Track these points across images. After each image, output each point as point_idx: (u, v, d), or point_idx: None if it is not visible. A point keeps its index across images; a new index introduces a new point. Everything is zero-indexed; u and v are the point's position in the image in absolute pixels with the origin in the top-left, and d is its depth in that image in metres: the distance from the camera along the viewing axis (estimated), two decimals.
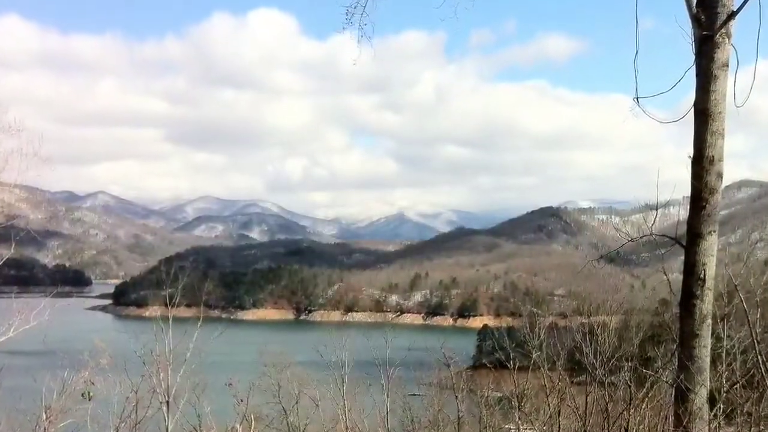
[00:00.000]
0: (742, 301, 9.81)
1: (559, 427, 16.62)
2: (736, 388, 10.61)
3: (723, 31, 8.33)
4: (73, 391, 12.48)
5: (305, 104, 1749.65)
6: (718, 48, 8.35)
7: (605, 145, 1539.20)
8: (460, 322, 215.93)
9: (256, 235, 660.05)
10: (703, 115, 8.43)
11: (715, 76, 8.37)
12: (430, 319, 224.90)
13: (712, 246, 8.52)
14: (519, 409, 18.59)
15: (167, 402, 14.22)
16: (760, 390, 10.23)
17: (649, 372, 13.97)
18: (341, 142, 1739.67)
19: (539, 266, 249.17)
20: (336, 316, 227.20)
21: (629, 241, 10.54)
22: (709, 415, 8.74)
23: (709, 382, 8.74)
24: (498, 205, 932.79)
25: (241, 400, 19.88)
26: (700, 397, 8.51)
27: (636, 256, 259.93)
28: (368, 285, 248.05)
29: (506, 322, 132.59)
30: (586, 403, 15.55)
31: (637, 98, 8.91)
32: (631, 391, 13.81)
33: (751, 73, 8.50)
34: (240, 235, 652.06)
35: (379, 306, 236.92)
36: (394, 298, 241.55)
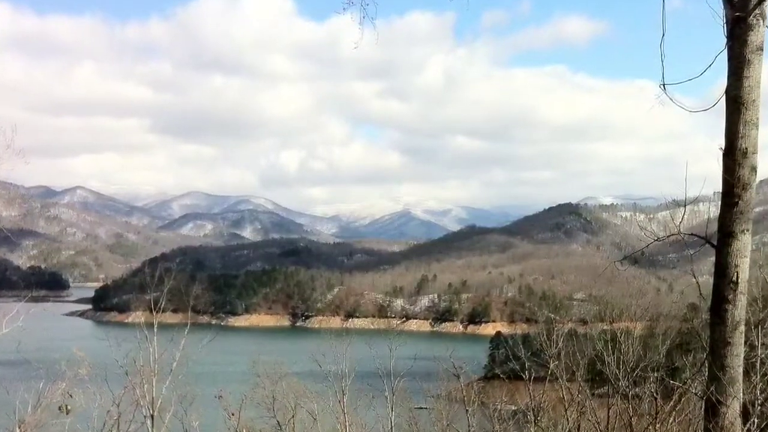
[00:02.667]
0: None
1: None
2: None
3: (757, 12, 8.31)
4: (50, 404, 12.54)
5: (302, 91, 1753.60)
6: (752, 30, 8.33)
7: (629, 137, 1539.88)
8: (471, 328, 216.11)
9: (248, 234, 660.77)
10: (736, 103, 8.42)
11: (749, 61, 8.35)
12: (438, 326, 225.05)
13: (745, 246, 8.51)
14: (535, 423, 18.63)
15: (152, 416, 14.28)
16: None
17: (677, 383, 14.00)
18: (342, 132, 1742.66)
19: (557, 268, 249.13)
20: (336, 322, 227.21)
21: (655, 240, 10.52)
22: (742, 429, 8.74)
23: (741, 394, 8.74)
24: (512, 202, 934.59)
25: (233, 414, 19.98)
26: (732, 410, 8.51)
27: (662, 256, 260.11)
28: (371, 288, 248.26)
29: (521, 328, 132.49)
30: (608, 417, 15.59)
31: (663, 85, 8.88)
32: (657, 404, 13.84)
33: None
34: (231, 234, 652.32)
35: (382, 311, 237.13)
36: (398, 303, 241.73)
